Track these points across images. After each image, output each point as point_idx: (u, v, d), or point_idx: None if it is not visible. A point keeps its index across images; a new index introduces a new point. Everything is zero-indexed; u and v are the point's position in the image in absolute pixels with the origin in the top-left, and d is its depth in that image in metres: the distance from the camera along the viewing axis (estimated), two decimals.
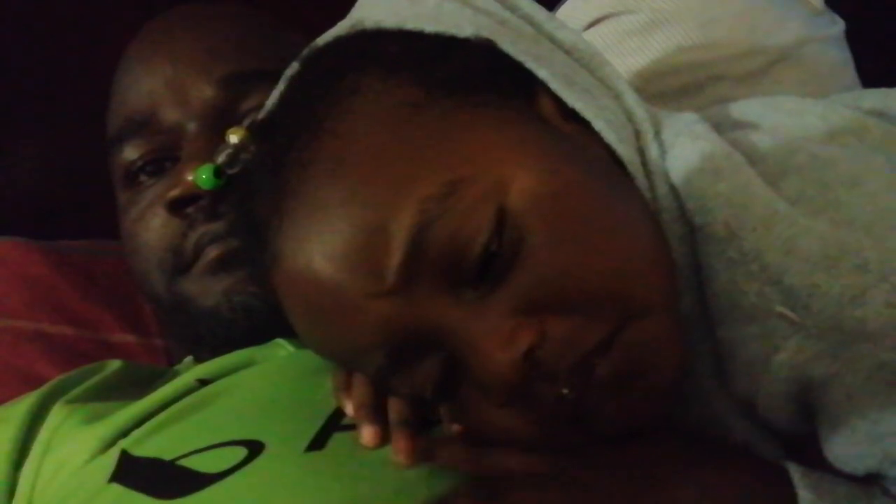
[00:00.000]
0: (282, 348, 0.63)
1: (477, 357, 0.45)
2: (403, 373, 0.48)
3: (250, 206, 0.51)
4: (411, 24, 0.52)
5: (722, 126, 0.55)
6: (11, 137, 0.91)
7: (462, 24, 0.52)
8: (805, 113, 0.55)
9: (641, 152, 0.52)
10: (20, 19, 0.90)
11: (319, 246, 0.46)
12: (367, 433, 0.51)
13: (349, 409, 0.53)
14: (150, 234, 0.66)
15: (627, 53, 0.77)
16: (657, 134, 0.53)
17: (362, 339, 0.47)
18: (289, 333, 0.52)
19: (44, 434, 0.60)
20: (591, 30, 0.80)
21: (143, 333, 0.83)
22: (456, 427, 0.50)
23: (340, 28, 0.55)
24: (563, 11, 0.81)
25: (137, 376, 0.68)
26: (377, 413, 0.52)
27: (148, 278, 0.68)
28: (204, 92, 0.66)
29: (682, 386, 0.49)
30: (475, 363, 0.45)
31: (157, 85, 0.66)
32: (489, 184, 0.45)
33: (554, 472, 0.47)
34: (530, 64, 0.51)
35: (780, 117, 0.55)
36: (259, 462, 0.51)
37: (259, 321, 0.61)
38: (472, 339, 0.45)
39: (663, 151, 0.52)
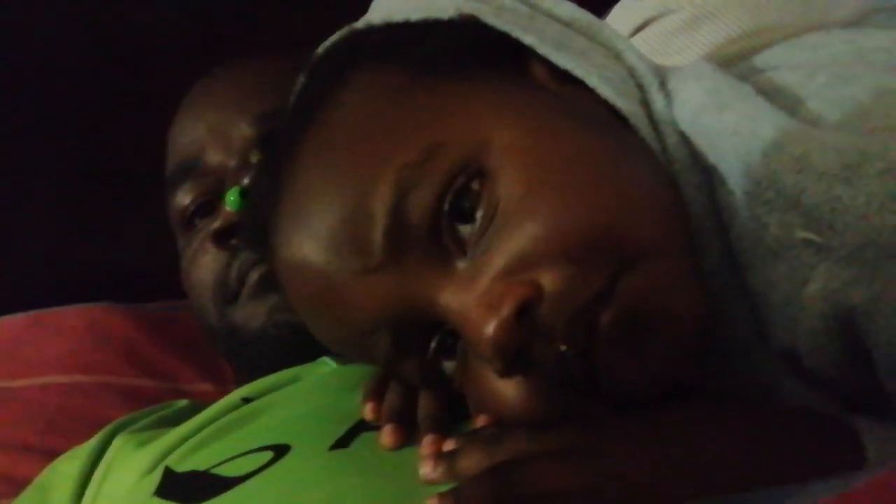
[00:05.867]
0: (326, 365, 0.63)
1: (468, 326, 0.43)
2: (411, 357, 0.47)
3: (258, 211, 0.52)
4: (398, 17, 0.53)
5: (746, 77, 0.52)
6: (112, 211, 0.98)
7: (446, 8, 0.52)
8: (829, 44, 0.52)
9: (647, 106, 0.50)
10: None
11: (307, 231, 0.46)
12: (386, 432, 0.49)
13: (367, 411, 0.52)
14: (202, 271, 0.69)
15: (675, 53, 0.75)
16: (663, 84, 0.51)
17: (360, 320, 0.46)
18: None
19: (105, 460, 0.62)
20: (636, 36, 0.78)
21: (220, 381, 0.85)
22: (482, 419, 0.48)
23: (336, 35, 0.57)
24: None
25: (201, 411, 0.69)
26: (403, 416, 0.50)
27: (204, 314, 0.70)
28: (242, 130, 0.69)
29: (706, 341, 0.45)
30: (468, 333, 0.43)
31: (202, 131, 0.70)
32: (468, 145, 0.44)
33: (571, 446, 0.44)
34: (516, 32, 0.50)
35: (804, 54, 0.53)
36: (283, 462, 0.50)
37: (305, 337, 0.61)
38: (462, 309, 0.43)
39: (670, 101, 0.50)
